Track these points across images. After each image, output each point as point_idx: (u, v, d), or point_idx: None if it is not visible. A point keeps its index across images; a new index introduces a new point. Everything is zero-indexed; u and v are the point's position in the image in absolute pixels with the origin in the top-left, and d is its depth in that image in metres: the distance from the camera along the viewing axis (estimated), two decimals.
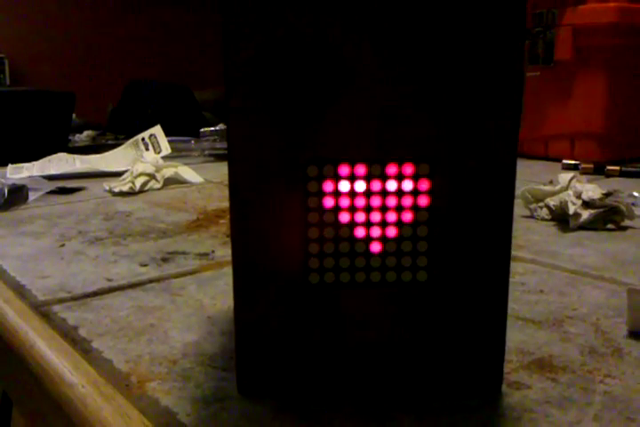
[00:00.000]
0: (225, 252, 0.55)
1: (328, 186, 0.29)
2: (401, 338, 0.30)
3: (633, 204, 0.65)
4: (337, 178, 0.29)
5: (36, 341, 0.37)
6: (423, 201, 0.29)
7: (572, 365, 0.33)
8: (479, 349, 0.30)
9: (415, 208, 0.29)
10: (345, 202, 0.29)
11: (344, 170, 0.29)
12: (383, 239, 0.29)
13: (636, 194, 0.73)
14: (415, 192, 0.29)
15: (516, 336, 0.37)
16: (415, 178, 0.29)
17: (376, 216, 0.29)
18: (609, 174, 0.91)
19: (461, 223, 0.29)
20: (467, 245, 0.30)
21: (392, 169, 0.29)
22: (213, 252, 0.56)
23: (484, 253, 0.30)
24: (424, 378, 0.31)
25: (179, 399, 0.30)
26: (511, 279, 0.30)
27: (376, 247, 0.30)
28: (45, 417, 0.35)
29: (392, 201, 0.29)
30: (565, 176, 0.67)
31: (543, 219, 0.65)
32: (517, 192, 0.65)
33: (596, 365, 0.33)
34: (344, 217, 0.29)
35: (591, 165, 0.93)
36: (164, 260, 0.53)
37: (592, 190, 0.63)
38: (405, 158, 0.29)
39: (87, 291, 0.46)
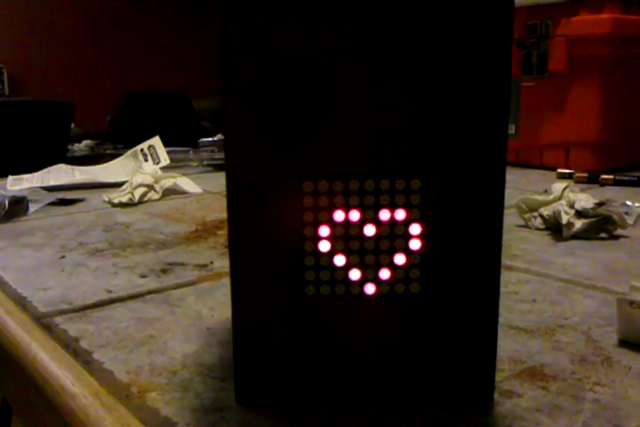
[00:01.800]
0: (223, 263, 0.56)
1: (323, 201, 0.30)
2: (395, 348, 0.31)
3: (626, 213, 0.66)
4: (331, 193, 0.30)
5: (38, 352, 0.38)
6: (415, 215, 0.30)
7: (563, 373, 0.34)
8: (471, 358, 0.31)
9: (407, 222, 0.30)
10: (339, 216, 0.30)
11: (338, 185, 0.30)
12: (377, 252, 0.30)
13: (629, 203, 0.74)
14: (407, 206, 0.30)
15: (508, 345, 0.37)
16: (407, 192, 0.30)
17: (370, 230, 0.30)
18: (603, 183, 0.92)
19: (453, 236, 0.30)
20: (458, 257, 0.30)
21: (385, 184, 0.30)
22: (212, 263, 0.56)
23: (475, 265, 0.30)
24: (418, 387, 0.32)
25: (178, 409, 0.31)
26: (505, 289, 0.31)
27: (370, 260, 0.30)
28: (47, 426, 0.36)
29: (385, 215, 0.30)
30: (559, 186, 0.67)
31: (537, 228, 0.66)
32: (512, 202, 0.66)
33: (586, 373, 0.34)
34: (339, 231, 0.30)
35: (585, 174, 0.94)
36: (164, 271, 0.54)
37: (585, 200, 0.64)
38: (397, 174, 0.30)
39: (88, 302, 0.47)
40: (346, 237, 0.30)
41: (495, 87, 0.29)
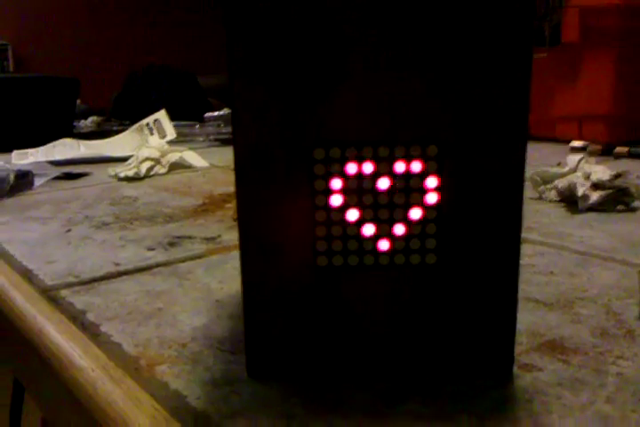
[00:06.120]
0: (231, 236, 0.55)
1: (335, 169, 0.29)
2: (410, 321, 0.30)
3: None
4: (344, 160, 0.29)
5: (45, 325, 0.37)
6: (432, 183, 0.29)
7: (584, 347, 0.33)
8: (490, 331, 0.30)
9: (423, 190, 0.29)
10: (352, 185, 0.29)
11: (351, 152, 0.28)
12: (391, 222, 0.29)
13: None
14: (423, 174, 0.29)
15: (526, 318, 0.36)
16: (423, 160, 0.29)
17: (384, 199, 0.29)
18: (617, 155, 0.91)
19: (471, 205, 0.29)
20: (476, 227, 0.29)
21: (400, 151, 0.28)
22: (220, 236, 0.55)
23: (494, 235, 0.29)
24: (435, 360, 0.31)
25: (188, 383, 0.30)
26: (521, 261, 0.30)
27: (384, 230, 0.29)
28: (55, 401, 0.35)
29: (400, 183, 0.29)
30: (574, 158, 0.66)
31: (552, 201, 0.65)
32: (526, 175, 0.64)
33: (608, 346, 0.33)
34: (351, 200, 0.29)
35: (599, 147, 0.93)
36: (171, 244, 0.53)
37: (601, 172, 0.62)
38: (413, 140, 0.28)
39: (95, 275, 0.46)
40: (360, 206, 0.29)
41: (517, 50, 0.27)
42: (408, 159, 0.29)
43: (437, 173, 0.29)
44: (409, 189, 0.29)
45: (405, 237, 0.29)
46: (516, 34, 0.27)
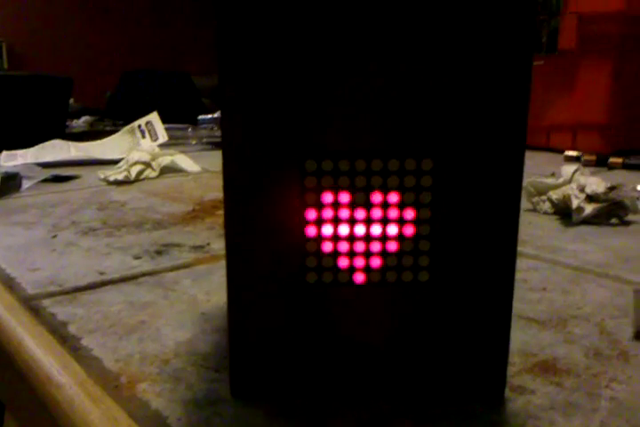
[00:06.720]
0: (221, 244, 0.54)
1: (326, 181, 0.28)
2: (401, 340, 0.29)
3: (638, 198, 0.63)
4: (336, 173, 0.28)
5: (24, 337, 0.36)
6: (426, 198, 0.28)
7: (577, 368, 0.32)
8: (482, 351, 0.29)
9: (417, 205, 0.28)
10: (344, 198, 0.28)
11: (344, 165, 0.27)
12: (384, 238, 0.28)
13: None
14: (418, 188, 0.28)
15: (518, 337, 0.36)
16: (417, 174, 0.28)
17: (377, 213, 0.28)
18: (611, 166, 0.90)
19: (465, 221, 0.28)
20: (471, 244, 0.28)
21: (394, 164, 0.28)
22: (209, 244, 0.54)
23: (489, 253, 0.28)
24: (425, 382, 0.30)
25: (169, 402, 0.29)
26: None
27: (376, 246, 0.28)
28: (34, 419, 0.34)
29: (393, 198, 0.28)
30: (568, 169, 0.65)
31: (545, 213, 0.64)
32: None
33: (602, 368, 0.32)
34: (343, 214, 0.28)
35: (594, 157, 0.92)
36: (158, 252, 0.52)
37: (596, 184, 0.62)
38: (407, 153, 0.27)
39: (78, 285, 0.45)
40: (351, 220, 0.28)
41: (516, 62, 0.27)
42: (402, 173, 0.28)
43: (431, 187, 0.28)
44: (402, 203, 0.28)
45: (397, 254, 0.28)
46: (515, 42, 0.26)
